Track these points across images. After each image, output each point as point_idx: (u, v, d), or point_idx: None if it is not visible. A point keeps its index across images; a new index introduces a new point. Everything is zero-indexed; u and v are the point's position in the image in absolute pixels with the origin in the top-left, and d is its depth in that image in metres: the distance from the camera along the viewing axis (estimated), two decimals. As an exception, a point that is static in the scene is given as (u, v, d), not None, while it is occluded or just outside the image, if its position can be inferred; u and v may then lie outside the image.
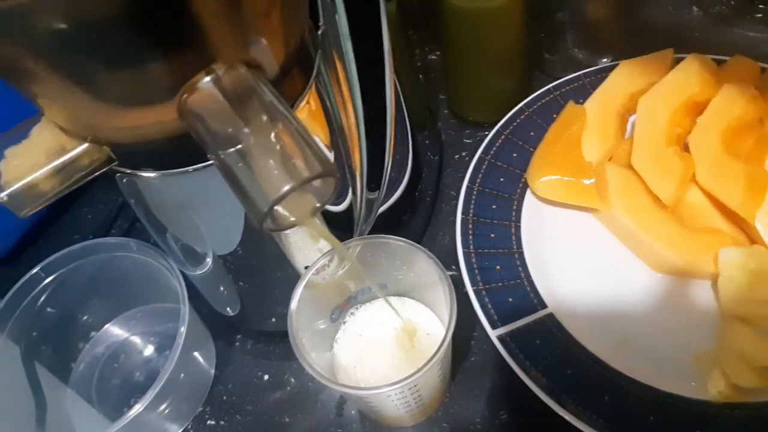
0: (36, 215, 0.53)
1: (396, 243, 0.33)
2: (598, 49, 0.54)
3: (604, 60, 0.54)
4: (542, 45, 0.55)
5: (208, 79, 0.23)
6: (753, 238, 0.39)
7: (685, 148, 0.42)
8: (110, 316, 0.47)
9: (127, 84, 0.23)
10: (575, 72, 0.51)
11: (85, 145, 0.26)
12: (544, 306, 0.39)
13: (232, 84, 0.23)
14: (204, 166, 0.28)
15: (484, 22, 0.44)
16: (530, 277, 0.40)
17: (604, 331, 0.38)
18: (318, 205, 0.25)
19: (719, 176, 0.39)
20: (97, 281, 0.44)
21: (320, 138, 0.35)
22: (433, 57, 0.60)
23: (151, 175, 0.29)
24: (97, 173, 0.28)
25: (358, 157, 0.39)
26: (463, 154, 0.52)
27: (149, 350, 0.46)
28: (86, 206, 0.55)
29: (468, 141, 0.53)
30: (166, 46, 0.22)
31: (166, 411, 0.40)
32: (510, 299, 0.39)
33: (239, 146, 0.22)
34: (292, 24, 0.27)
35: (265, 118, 0.23)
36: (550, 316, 0.38)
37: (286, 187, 0.21)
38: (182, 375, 0.41)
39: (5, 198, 0.26)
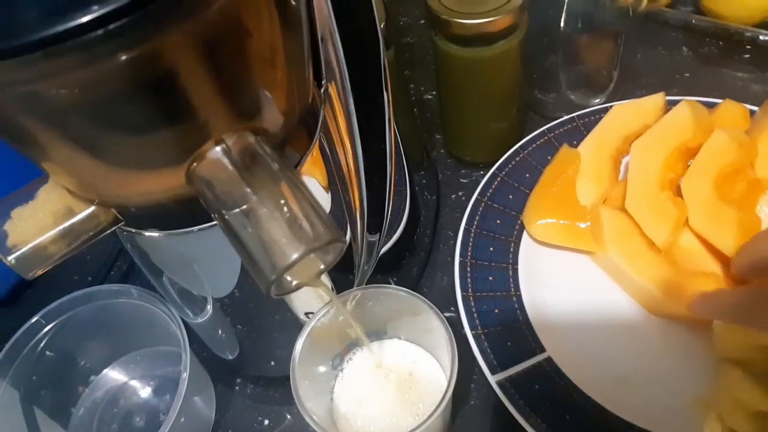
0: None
1: (395, 292, 0.34)
2: (591, 90, 0.55)
3: (597, 100, 0.55)
4: (536, 86, 0.57)
5: (218, 148, 0.24)
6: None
7: (678, 192, 0.42)
8: (109, 360, 0.47)
9: (135, 153, 0.23)
10: (569, 113, 0.52)
11: (93, 208, 0.27)
12: (542, 350, 0.39)
13: (240, 152, 0.24)
14: (209, 227, 0.28)
15: (479, 69, 0.45)
16: (528, 320, 0.41)
17: (602, 375, 0.38)
18: (323, 267, 0.26)
19: (712, 221, 0.40)
20: (96, 325, 0.44)
21: (319, 181, 0.35)
22: (429, 96, 0.61)
23: (155, 234, 0.29)
24: (104, 233, 0.28)
25: (358, 202, 0.39)
26: (460, 194, 0.53)
27: (148, 393, 0.46)
28: (86, 250, 0.55)
29: (464, 181, 0.54)
30: (175, 118, 0.22)
31: (167, 458, 0.40)
32: (509, 343, 0.40)
33: (247, 212, 0.23)
34: (298, 91, 0.28)
35: (272, 184, 0.24)
36: (549, 360, 0.39)
37: (295, 256, 0.22)
38: (182, 419, 0.41)
39: (12, 261, 0.26)
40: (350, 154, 0.37)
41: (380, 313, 0.36)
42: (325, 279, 0.29)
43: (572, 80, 0.55)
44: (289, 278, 0.25)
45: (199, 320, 0.40)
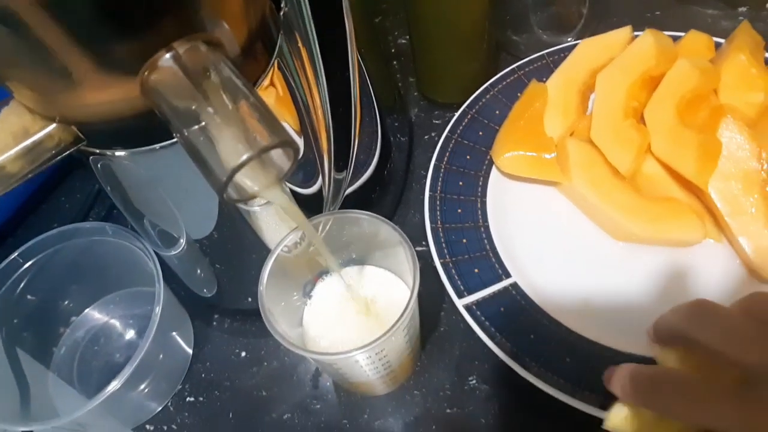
0: (13, 206, 0.54)
1: (359, 216, 0.34)
2: (562, 29, 0.55)
3: (568, 40, 0.55)
4: (508, 26, 0.57)
5: (168, 56, 0.24)
6: (707, 205, 0.41)
7: (642, 120, 0.43)
8: (90, 301, 0.48)
9: (89, 62, 0.23)
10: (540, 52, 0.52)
11: (53, 126, 0.27)
12: (508, 275, 0.40)
13: (192, 61, 0.24)
14: (170, 144, 0.29)
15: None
16: (495, 248, 0.42)
17: (566, 298, 0.40)
18: (278, 176, 0.27)
19: (673, 146, 0.40)
20: (75, 267, 0.45)
21: (288, 123, 0.36)
22: (403, 41, 0.62)
23: (120, 154, 0.30)
24: (66, 153, 0.29)
25: (325, 138, 0.40)
26: (433, 134, 0.54)
27: (129, 333, 0.47)
28: (63, 195, 0.56)
29: (437, 122, 0.55)
30: (126, 24, 0.23)
31: (146, 390, 0.41)
32: (476, 270, 0.41)
33: (200, 121, 0.23)
34: (252, 3, 0.28)
35: (224, 93, 0.24)
36: (515, 285, 0.40)
37: (245, 156, 0.22)
38: (161, 356, 0.42)
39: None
40: (314, 85, 0.37)
41: (347, 239, 0.37)
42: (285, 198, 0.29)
43: (543, 20, 0.55)
44: (248, 182, 0.26)
45: (174, 253, 0.40)
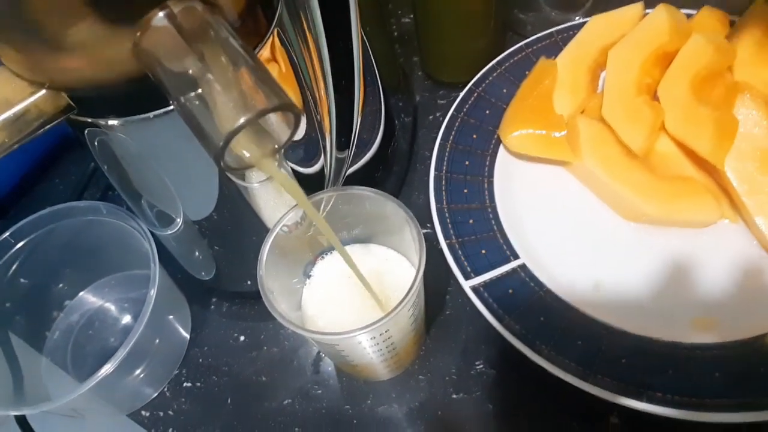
0: (5, 188, 0.53)
1: (363, 192, 0.33)
2: (571, 7, 0.54)
3: (577, 17, 0.53)
4: (515, 5, 0.55)
5: (162, 14, 0.23)
6: (722, 184, 0.39)
7: (655, 97, 0.42)
8: (84, 285, 0.47)
9: (80, 21, 0.22)
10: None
11: (42, 92, 0.26)
12: (516, 257, 0.39)
13: (188, 20, 0.23)
14: (166, 112, 0.28)
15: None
16: (503, 229, 0.41)
17: (576, 280, 0.38)
18: (278, 145, 0.25)
19: (688, 123, 0.39)
20: (69, 249, 0.44)
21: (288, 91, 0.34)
22: (407, 20, 0.60)
23: (114, 123, 0.28)
24: (56, 122, 0.27)
25: (327, 115, 0.38)
26: (438, 114, 0.52)
27: (124, 317, 0.46)
28: (57, 177, 0.55)
29: (442, 102, 0.53)
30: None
31: (142, 375, 0.40)
32: (483, 251, 0.39)
33: (196, 84, 0.22)
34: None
35: (222, 55, 0.23)
36: (523, 267, 0.39)
37: (242, 119, 0.21)
38: (157, 340, 0.41)
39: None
40: (316, 58, 0.36)
41: (350, 217, 0.35)
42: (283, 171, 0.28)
43: (551, -2, 0.54)
44: (245, 152, 0.24)
45: (170, 232, 0.39)
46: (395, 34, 0.60)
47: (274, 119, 0.25)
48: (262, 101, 0.22)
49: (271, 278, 0.33)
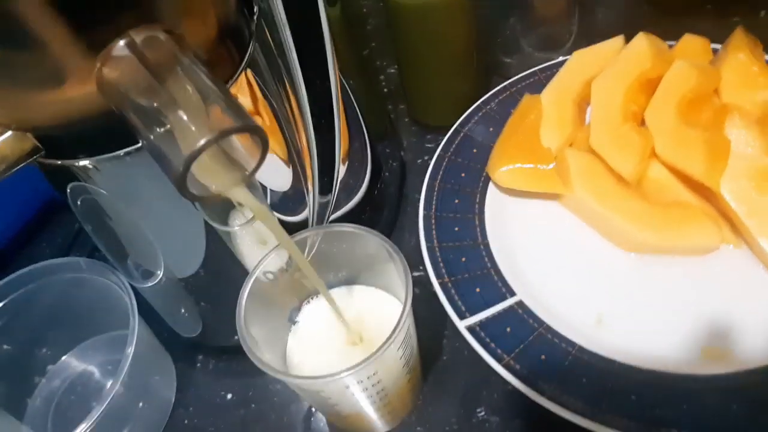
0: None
1: (345, 229, 0.32)
2: (553, 47, 0.54)
3: (560, 57, 0.54)
4: (499, 49, 0.56)
5: (122, 43, 0.22)
6: (721, 208, 0.38)
7: (642, 124, 0.41)
8: (67, 348, 0.45)
9: (39, 56, 0.22)
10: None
11: (8, 134, 0.26)
12: (513, 294, 0.37)
13: (150, 50, 0.23)
14: (136, 149, 0.27)
15: (430, 17, 0.44)
16: (497, 266, 0.39)
17: (577, 314, 0.36)
18: (246, 173, 0.24)
19: (679, 147, 0.38)
20: (52, 311, 0.42)
21: (277, 154, 0.34)
22: (392, 71, 0.60)
23: (84, 163, 0.28)
24: (23, 165, 0.26)
25: (308, 156, 0.38)
26: (426, 158, 0.52)
27: (107, 380, 0.44)
28: (45, 241, 0.54)
29: (430, 146, 0.53)
30: (75, 10, 0.21)
31: (125, 440, 0.38)
32: (477, 289, 0.38)
33: (160, 113, 0.21)
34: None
35: (186, 83, 0.22)
36: (520, 303, 0.37)
37: (202, 141, 0.20)
38: (140, 404, 0.39)
39: None
40: (293, 96, 0.35)
41: (335, 257, 0.34)
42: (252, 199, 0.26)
43: (533, 41, 0.54)
44: (213, 181, 0.23)
45: (150, 285, 0.38)
46: (382, 81, 0.60)
47: (241, 147, 0.24)
48: (224, 123, 0.21)
49: (255, 326, 0.31)
